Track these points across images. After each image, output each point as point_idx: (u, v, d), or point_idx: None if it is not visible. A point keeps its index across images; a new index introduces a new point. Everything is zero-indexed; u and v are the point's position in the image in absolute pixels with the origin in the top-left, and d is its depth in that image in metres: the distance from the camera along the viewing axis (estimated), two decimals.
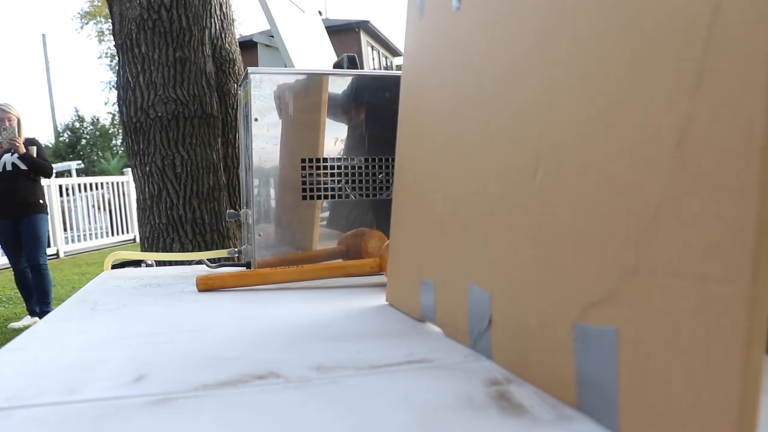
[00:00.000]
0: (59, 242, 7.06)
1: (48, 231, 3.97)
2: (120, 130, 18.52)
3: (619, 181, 0.27)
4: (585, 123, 0.29)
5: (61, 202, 7.30)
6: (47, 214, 3.65)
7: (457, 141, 0.45)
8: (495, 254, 0.38)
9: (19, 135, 3.40)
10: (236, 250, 0.91)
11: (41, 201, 3.56)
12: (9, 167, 3.38)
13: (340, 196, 0.83)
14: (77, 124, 21.94)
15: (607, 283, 0.27)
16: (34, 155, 3.43)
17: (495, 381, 0.36)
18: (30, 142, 3.47)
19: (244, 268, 0.85)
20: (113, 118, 21.69)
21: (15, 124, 3.40)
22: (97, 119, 22.28)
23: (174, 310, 0.61)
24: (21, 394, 0.36)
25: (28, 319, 3.73)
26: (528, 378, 0.34)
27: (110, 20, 2.62)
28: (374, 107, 0.83)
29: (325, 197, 0.83)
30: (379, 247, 0.83)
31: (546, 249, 0.32)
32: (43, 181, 3.69)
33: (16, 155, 3.37)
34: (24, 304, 3.83)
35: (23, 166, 3.39)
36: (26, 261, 3.55)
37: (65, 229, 7.48)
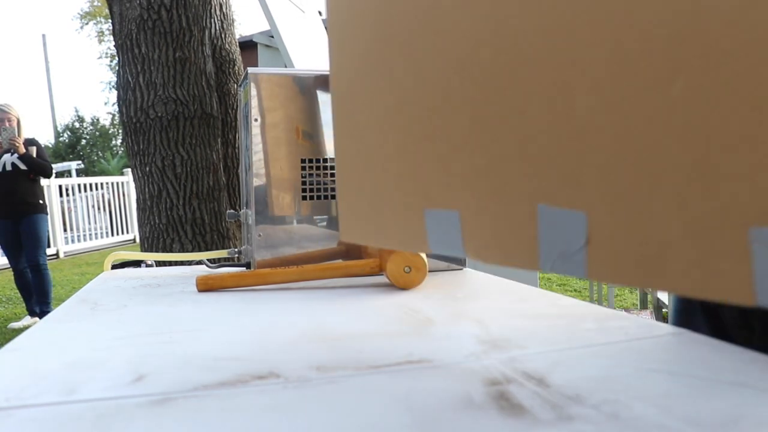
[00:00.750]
0: (59, 242, 7.07)
1: (48, 231, 3.97)
2: (120, 131, 18.53)
3: None
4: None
5: (61, 202, 7.30)
6: (47, 214, 3.65)
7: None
8: (591, 171, 0.34)
9: (19, 135, 3.40)
10: (236, 250, 0.91)
11: (41, 201, 3.56)
12: (9, 167, 3.38)
13: None
14: (77, 125, 21.95)
15: None
16: (34, 155, 3.44)
17: (495, 381, 0.36)
18: (30, 142, 3.47)
19: (243, 269, 0.85)
20: (113, 119, 21.70)
21: (15, 124, 3.41)
22: (97, 119, 22.30)
23: (174, 310, 0.61)
24: (21, 394, 0.36)
25: (28, 319, 3.73)
26: (665, 286, 0.31)
27: (110, 20, 2.62)
28: None
29: (325, 197, 0.83)
30: (379, 247, 0.83)
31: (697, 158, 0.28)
32: (43, 182, 3.69)
33: (15, 155, 3.37)
34: (24, 305, 3.83)
35: (23, 167, 3.40)
36: (26, 261, 3.56)
37: (65, 230, 7.48)
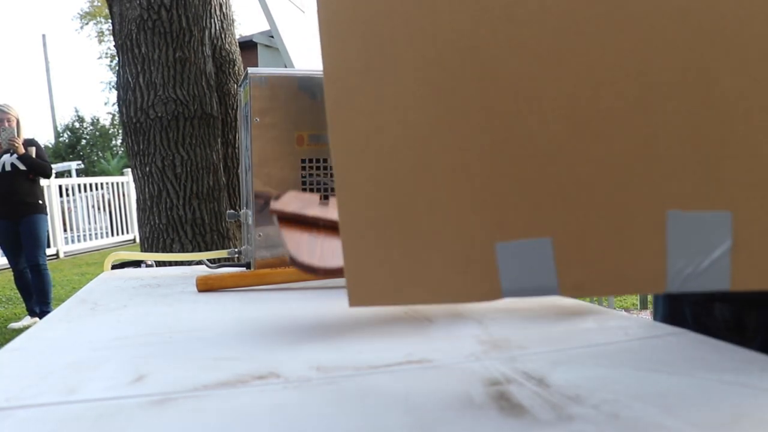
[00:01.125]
0: (59, 242, 7.06)
1: (47, 231, 3.97)
2: (120, 131, 18.54)
3: None
4: None
5: (61, 202, 7.30)
6: (46, 214, 3.65)
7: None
8: (736, 163, 0.29)
9: (18, 135, 3.40)
10: (236, 250, 0.91)
11: (40, 201, 3.56)
12: (8, 167, 3.38)
13: None
14: (77, 125, 21.95)
15: None
16: (33, 156, 3.44)
17: (495, 381, 0.36)
18: (29, 142, 3.47)
19: (243, 269, 0.85)
20: (113, 119, 21.70)
21: (14, 125, 3.41)
22: (97, 119, 22.30)
23: (174, 310, 0.61)
24: (21, 394, 0.36)
25: (28, 320, 3.73)
26: None
27: (110, 21, 2.62)
28: None
29: (325, 197, 0.83)
30: None
31: None
32: (43, 182, 3.69)
33: (15, 156, 3.37)
34: (24, 305, 3.83)
35: (22, 167, 3.40)
36: (26, 261, 3.56)
37: (65, 230, 7.48)
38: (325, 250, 0.47)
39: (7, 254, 3.64)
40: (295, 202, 0.53)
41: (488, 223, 0.33)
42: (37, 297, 3.61)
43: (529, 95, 0.33)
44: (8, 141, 3.29)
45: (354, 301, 0.36)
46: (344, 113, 0.37)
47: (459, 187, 0.34)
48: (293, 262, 0.44)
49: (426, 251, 0.35)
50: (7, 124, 3.37)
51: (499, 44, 0.33)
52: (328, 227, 0.51)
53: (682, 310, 0.57)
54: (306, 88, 0.81)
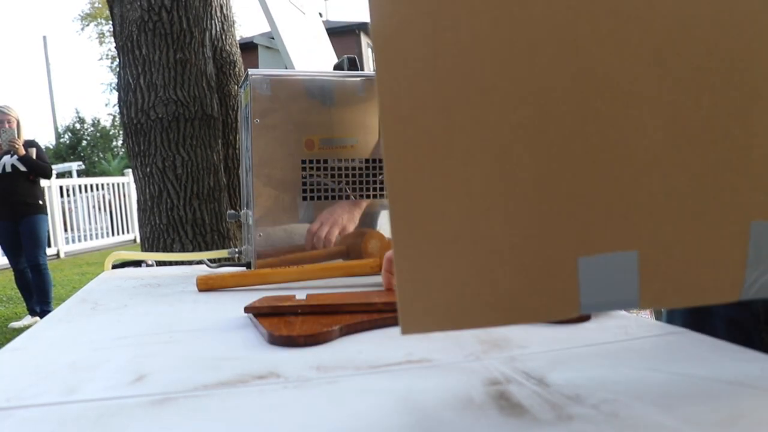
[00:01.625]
0: (60, 242, 7.07)
1: (48, 231, 3.97)
2: (120, 132, 18.54)
3: None
4: None
5: (62, 202, 7.31)
6: (47, 214, 3.66)
7: None
8: None
9: (19, 137, 3.40)
10: (236, 250, 0.91)
11: (40, 202, 3.56)
12: (8, 169, 3.38)
13: (340, 197, 0.83)
14: (78, 126, 21.97)
15: None
16: (34, 157, 3.44)
17: (495, 381, 0.36)
18: (29, 143, 3.48)
19: (244, 269, 0.85)
20: (114, 120, 21.71)
21: (15, 125, 3.41)
22: (98, 120, 22.31)
23: (174, 310, 0.61)
24: (21, 394, 0.36)
25: (28, 319, 3.73)
26: None
27: (111, 22, 2.62)
28: (374, 108, 0.83)
29: (325, 198, 0.83)
30: (379, 247, 0.83)
31: None
32: (44, 182, 3.70)
33: (15, 157, 3.38)
34: (24, 304, 3.83)
35: (23, 168, 3.40)
36: (26, 261, 3.56)
37: (66, 230, 7.48)
38: (305, 324, 0.48)
39: (7, 254, 3.65)
40: (269, 300, 0.55)
41: (571, 237, 0.31)
42: (37, 297, 3.61)
43: (628, 100, 0.30)
44: (8, 142, 3.29)
45: (407, 329, 0.31)
46: (401, 113, 0.31)
47: (540, 199, 0.31)
48: (272, 339, 0.45)
49: (498, 269, 0.31)
50: (7, 125, 3.38)
51: (600, 40, 0.30)
52: (307, 312, 0.52)
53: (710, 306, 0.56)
54: (306, 89, 0.81)
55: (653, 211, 0.31)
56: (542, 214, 0.31)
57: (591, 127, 0.30)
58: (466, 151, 0.30)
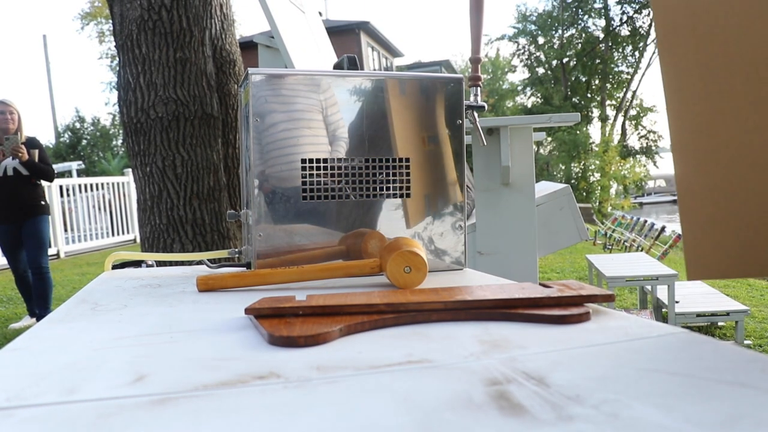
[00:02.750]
0: (60, 242, 7.07)
1: (50, 233, 3.97)
2: (120, 131, 18.55)
3: None
4: None
5: (62, 202, 7.31)
6: (49, 214, 3.65)
7: None
8: None
9: (20, 131, 3.40)
10: (236, 250, 0.91)
11: (42, 202, 3.56)
12: (10, 172, 3.38)
13: (340, 197, 0.83)
14: (78, 125, 21.97)
15: None
16: (36, 159, 3.43)
17: (495, 381, 0.36)
18: (31, 142, 3.47)
19: (244, 269, 0.85)
20: (114, 119, 21.73)
21: (16, 117, 3.41)
22: (98, 120, 22.31)
23: (174, 310, 0.61)
24: (21, 394, 0.36)
25: (28, 320, 3.73)
26: None
27: (111, 21, 2.62)
28: (374, 108, 0.83)
29: (325, 197, 0.83)
30: (379, 247, 0.83)
31: None
32: (44, 182, 3.69)
33: (17, 160, 3.37)
34: (24, 305, 3.83)
35: (25, 172, 3.39)
36: (28, 263, 3.54)
37: (66, 230, 7.49)
38: (305, 324, 0.49)
39: (8, 257, 3.62)
40: (269, 302, 0.55)
41: None
42: (37, 300, 3.59)
43: None
44: (12, 149, 3.28)
45: (693, 275, 0.42)
46: (684, 108, 0.36)
47: None
48: (272, 339, 0.45)
49: (756, 237, 0.38)
50: (9, 116, 3.37)
51: None
52: (308, 314, 0.52)
53: None
54: (306, 88, 0.81)
55: None
56: None
57: None
58: (740, 146, 0.35)
